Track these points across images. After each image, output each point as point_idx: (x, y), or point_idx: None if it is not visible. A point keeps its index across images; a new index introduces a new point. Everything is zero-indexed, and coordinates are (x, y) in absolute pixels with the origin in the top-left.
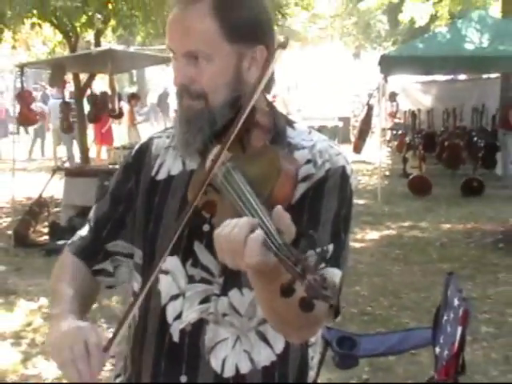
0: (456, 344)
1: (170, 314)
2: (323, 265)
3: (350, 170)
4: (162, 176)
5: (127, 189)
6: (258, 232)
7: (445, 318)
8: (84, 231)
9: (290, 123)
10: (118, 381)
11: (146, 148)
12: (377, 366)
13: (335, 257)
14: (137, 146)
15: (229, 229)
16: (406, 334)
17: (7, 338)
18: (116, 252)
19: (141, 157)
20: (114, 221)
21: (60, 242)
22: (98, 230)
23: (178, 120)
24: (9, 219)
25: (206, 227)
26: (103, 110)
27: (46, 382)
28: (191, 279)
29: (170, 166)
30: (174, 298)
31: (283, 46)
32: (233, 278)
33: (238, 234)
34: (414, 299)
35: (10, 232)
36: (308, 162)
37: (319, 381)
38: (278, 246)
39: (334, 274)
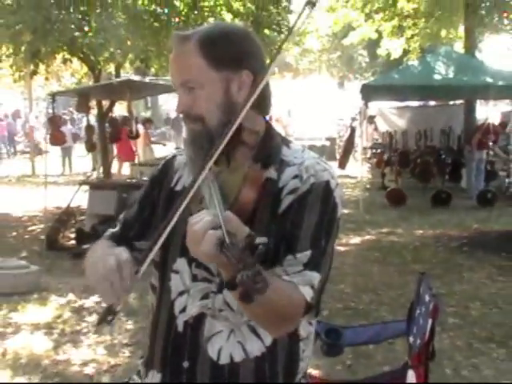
0: (427, 334)
1: (177, 307)
2: (301, 268)
3: (335, 184)
4: (179, 187)
5: (152, 197)
6: (216, 230)
7: (417, 311)
8: (115, 229)
9: (286, 143)
10: (140, 361)
11: (169, 163)
12: (359, 353)
13: (314, 262)
14: (163, 162)
15: (195, 221)
16: (383, 326)
17: (41, 329)
18: (141, 249)
19: (165, 170)
20: (141, 223)
21: (85, 246)
22: (127, 229)
23: (186, 141)
24: (41, 226)
25: None
26: (119, 131)
27: (74, 365)
28: (195, 278)
29: (185, 179)
30: (181, 294)
31: (313, 2)
32: None
33: (200, 228)
34: (390, 296)
35: (42, 237)
36: (295, 177)
37: (309, 366)
38: (227, 245)
39: (313, 277)
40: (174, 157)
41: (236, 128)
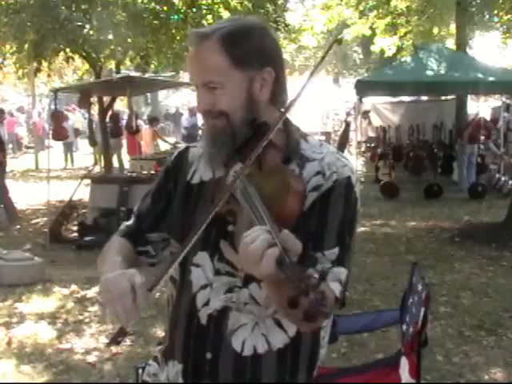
0: (419, 322)
1: (200, 301)
2: (330, 265)
3: (355, 179)
4: (195, 181)
5: (167, 189)
6: (275, 249)
7: (410, 300)
8: (129, 222)
9: (304, 137)
10: (158, 348)
11: (183, 155)
12: (353, 341)
13: (341, 258)
14: (175, 153)
15: (250, 239)
16: (377, 315)
17: (45, 318)
18: (155, 241)
19: (178, 163)
20: (155, 215)
21: (87, 239)
22: (141, 222)
23: (205, 137)
24: (45, 219)
25: (230, 227)
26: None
27: (77, 354)
28: (218, 272)
29: (202, 172)
30: (203, 287)
31: (339, 41)
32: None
33: (258, 246)
34: (384, 286)
35: (45, 230)
36: (317, 173)
37: None
38: (286, 263)
39: (340, 273)
40: (187, 149)
41: (264, 130)
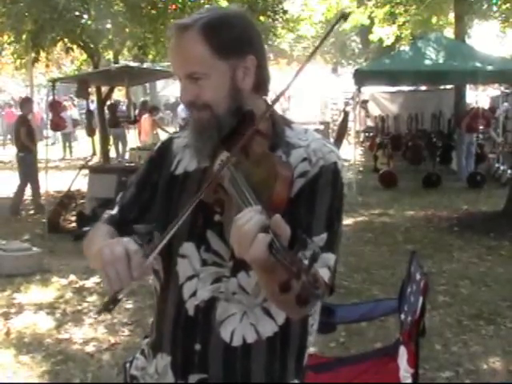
0: (417, 311)
1: (186, 292)
2: (318, 251)
3: (341, 165)
4: (179, 171)
5: (152, 179)
6: (266, 234)
7: (408, 290)
8: (113, 211)
9: (288, 124)
10: (145, 341)
11: (167, 146)
12: (351, 330)
13: (329, 243)
14: (159, 144)
15: (243, 221)
16: (376, 304)
17: (43, 309)
18: (140, 233)
19: (163, 153)
20: (140, 206)
21: (86, 229)
22: (126, 212)
23: (190, 130)
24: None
25: (217, 217)
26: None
27: (75, 344)
28: (204, 262)
29: (186, 163)
30: (190, 278)
31: (345, 16)
32: (241, 262)
33: (249, 230)
34: (382, 275)
35: (44, 220)
36: (304, 160)
37: None
38: (277, 247)
39: (329, 259)
40: (170, 140)
41: (250, 118)
